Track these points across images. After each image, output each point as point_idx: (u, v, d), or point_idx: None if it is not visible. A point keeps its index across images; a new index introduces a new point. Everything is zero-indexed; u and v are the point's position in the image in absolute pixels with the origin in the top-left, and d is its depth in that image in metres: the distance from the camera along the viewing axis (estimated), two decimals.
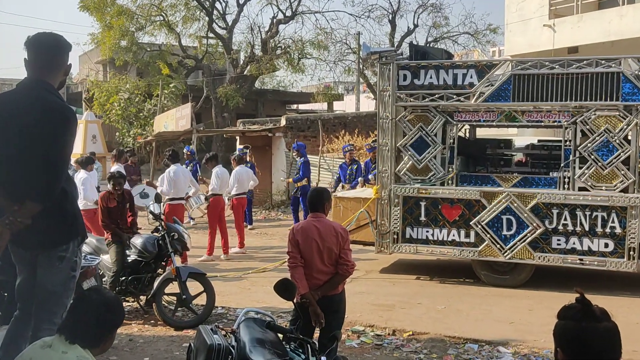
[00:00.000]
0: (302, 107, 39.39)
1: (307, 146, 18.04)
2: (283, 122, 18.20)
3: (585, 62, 7.71)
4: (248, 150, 15.10)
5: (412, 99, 8.41)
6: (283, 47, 27.69)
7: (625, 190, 7.59)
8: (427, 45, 26.83)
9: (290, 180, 13.24)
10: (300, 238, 4.49)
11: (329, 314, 4.45)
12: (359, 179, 11.71)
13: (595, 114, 7.64)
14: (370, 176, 11.43)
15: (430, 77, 8.30)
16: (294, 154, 14.07)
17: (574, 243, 7.79)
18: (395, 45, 26.39)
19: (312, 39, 27.78)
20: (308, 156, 13.51)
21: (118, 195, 7.28)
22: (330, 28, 34.57)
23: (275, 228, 13.91)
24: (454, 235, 8.31)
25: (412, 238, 8.49)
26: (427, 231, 8.42)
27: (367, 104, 32.08)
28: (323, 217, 4.65)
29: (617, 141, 7.57)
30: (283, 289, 3.93)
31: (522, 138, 11.56)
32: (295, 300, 4.12)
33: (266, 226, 14.35)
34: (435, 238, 8.39)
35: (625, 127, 7.53)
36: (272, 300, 7.13)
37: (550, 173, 8.25)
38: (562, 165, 7.87)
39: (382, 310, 7.18)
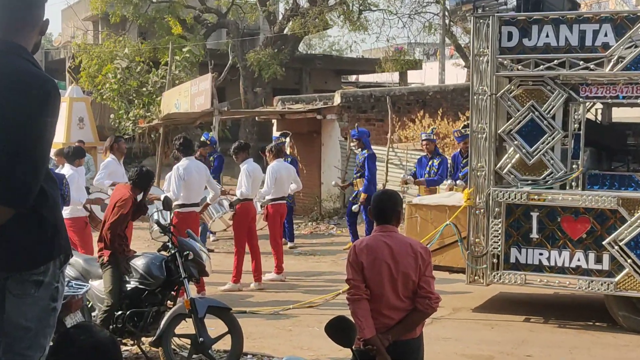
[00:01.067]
0: (363, 78, 39.43)
1: (372, 132, 18.04)
2: (337, 99, 18.24)
3: None
4: (288, 139, 15.27)
5: (520, 67, 8.35)
6: None
7: None
8: None
9: (354, 184, 13.25)
10: (365, 260, 4.49)
11: None
12: (446, 180, 11.64)
13: None
14: (459, 175, 11.42)
15: (547, 36, 8.22)
16: (352, 144, 14.07)
17: None
18: None
19: None
20: (373, 147, 13.52)
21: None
22: None
23: (326, 247, 13.99)
24: (579, 260, 8.19)
25: (520, 263, 8.41)
26: (541, 254, 8.32)
27: (456, 74, 31.82)
28: (395, 231, 4.65)
29: None
30: (338, 330, 3.90)
31: None
32: (354, 347, 4.12)
33: (313, 244, 14.42)
34: (553, 263, 8.29)
35: None
36: (321, 345, 7.19)
37: None
38: None
39: None
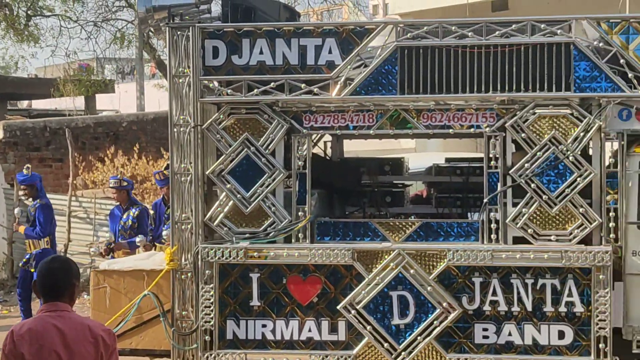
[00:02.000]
0: (37, 104, 38.33)
1: (49, 177, 17.49)
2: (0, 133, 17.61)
3: (514, 26, 8.12)
4: None
5: (230, 91, 8.45)
6: None
7: (587, 241, 8.07)
8: None
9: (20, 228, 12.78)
10: (27, 350, 4.36)
11: None
12: (138, 237, 11.67)
13: (534, 114, 8.07)
14: (164, 230, 11.41)
15: (261, 53, 8.37)
16: (21, 192, 13.53)
17: (509, 334, 8.10)
18: None
19: None
20: (50, 197, 13.15)
21: None
22: None
23: None
24: (310, 331, 8.35)
25: (238, 339, 8.45)
26: (264, 325, 8.42)
27: (159, 99, 31.80)
28: (69, 310, 4.56)
29: (571, 159, 8.02)
30: None
31: (421, 156, 12.06)
32: None
33: None
34: (279, 337, 8.40)
35: (582, 134, 8.03)
36: None
37: (468, 214, 8.63)
38: (485, 200, 8.20)
39: None
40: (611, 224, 8.08)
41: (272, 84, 8.35)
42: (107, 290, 9.00)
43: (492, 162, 8.22)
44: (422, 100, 8.28)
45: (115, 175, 13.30)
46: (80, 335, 4.40)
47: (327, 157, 10.07)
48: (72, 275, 4.59)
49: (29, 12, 26.89)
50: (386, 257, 8.22)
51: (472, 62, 8.12)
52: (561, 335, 8.09)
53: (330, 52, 8.28)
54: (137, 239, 11.63)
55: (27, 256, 12.70)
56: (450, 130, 8.45)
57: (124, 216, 12.19)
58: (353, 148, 11.27)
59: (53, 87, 29.32)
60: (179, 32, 8.44)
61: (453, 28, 8.20)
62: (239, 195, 8.45)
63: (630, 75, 7.98)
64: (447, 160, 10.24)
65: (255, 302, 8.43)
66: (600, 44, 8.08)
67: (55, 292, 4.54)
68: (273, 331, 8.43)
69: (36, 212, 12.40)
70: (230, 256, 8.40)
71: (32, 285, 4.95)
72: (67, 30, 27.84)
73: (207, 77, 8.45)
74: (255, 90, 8.38)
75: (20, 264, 13.12)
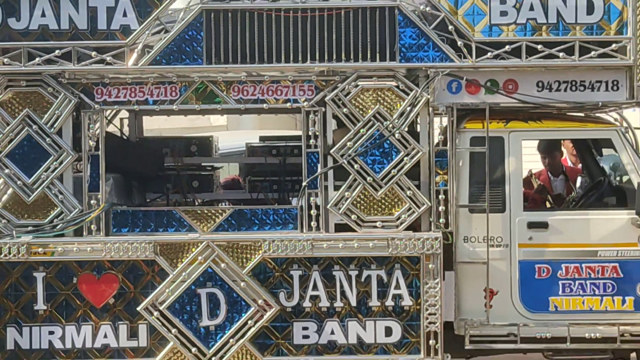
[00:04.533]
0: None
1: None
2: None
3: None
4: None
5: (7, 60, 7.76)
6: None
7: (415, 227, 7.67)
8: None
9: None
10: None
11: None
12: None
13: (357, 86, 7.64)
14: None
15: (43, 15, 7.83)
16: None
17: (332, 332, 7.70)
18: None
19: None
20: None
21: None
22: None
23: None
24: (106, 337, 7.81)
25: (21, 349, 7.77)
26: (52, 332, 7.81)
27: None
28: None
29: (397, 136, 7.56)
30: None
31: (234, 134, 11.91)
32: None
33: None
34: (69, 345, 7.81)
35: (409, 108, 7.56)
36: None
37: (291, 199, 8.40)
38: (304, 184, 7.66)
39: None
40: (441, 208, 7.83)
41: (57, 51, 7.77)
42: None
43: (312, 141, 7.87)
44: (232, 71, 7.81)
45: None
46: None
47: (124, 137, 9.31)
48: None
49: None
50: (193, 249, 7.74)
51: (288, 28, 7.77)
52: (388, 331, 7.71)
53: (125, 14, 7.86)
54: None
55: None
56: (265, 105, 8.01)
57: None
58: (155, 126, 10.65)
59: None
60: None
61: None
62: (19, 182, 7.68)
63: (459, 43, 7.75)
64: (262, 139, 9.98)
65: (40, 305, 7.74)
66: (428, 9, 7.79)
67: None
68: (62, 339, 7.77)
69: None
70: (9, 253, 7.68)
71: None
72: None
73: None
74: (37, 59, 7.75)
75: None
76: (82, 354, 7.95)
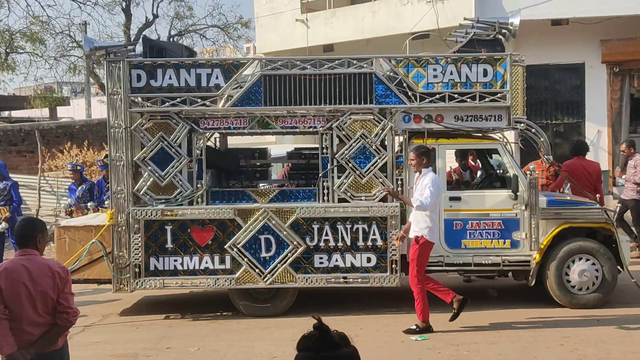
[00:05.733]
0: (16, 114, 36.55)
1: (24, 164, 16.70)
2: None
3: (337, 62, 8.34)
4: None
5: (149, 104, 8.33)
6: None
7: (384, 200, 8.34)
8: (171, 40, 26.80)
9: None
10: (3, 283, 4.16)
11: None
12: (90, 203, 11.34)
13: (350, 118, 8.28)
14: (104, 198, 11.10)
15: (170, 78, 8.28)
16: None
17: (336, 260, 8.31)
18: (132, 39, 25.85)
19: (24, 28, 26.08)
20: (26, 177, 12.56)
21: None
22: (46, 16, 32.71)
23: None
24: (207, 263, 8.34)
25: (158, 270, 8.36)
26: (176, 260, 8.35)
27: (101, 110, 30.73)
28: (35, 254, 4.36)
29: (373, 147, 8.28)
30: None
31: (279, 146, 12.15)
32: None
33: None
34: (186, 267, 8.36)
35: (380, 131, 8.28)
36: None
37: (312, 184, 8.69)
38: (320, 175, 8.38)
39: None
40: (399, 189, 8.32)
41: (178, 99, 8.27)
42: (66, 240, 8.68)
43: (324, 150, 8.36)
44: (278, 110, 8.31)
45: (71, 162, 12.87)
46: (42, 271, 4.23)
47: (217, 148, 9.80)
48: (36, 229, 4.42)
49: (7, 50, 25.65)
50: (256, 213, 8.28)
51: (310, 85, 8.23)
52: (369, 260, 8.29)
53: (217, 77, 8.26)
54: (89, 205, 11.34)
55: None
56: (297, 130, 8.58)
57: (79, 189, 11.81)
58: (234, 142, 11.07)
59: (26, 102, 28.16)
60: (113, 64, 8.24)
61: (298, 63, 8.31)
62: (157, 174, 8.33)
63: (409, 93, 8.27)
64: (296, 149, 10.21)
65: (169, 245, 8.32)
66: (391, 74, 8.34)
67: (25, 241, 4.36)
68: (182, 264, 8.34)
69: (10, 189, 11.79)
70: (151, 215, 8.30)
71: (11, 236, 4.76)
72: (35, 62, 26.78)
73: (133, 94, 8.27)
74: (167, 103, 8.27)
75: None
76: (193, 273, 8.53)
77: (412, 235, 7.74)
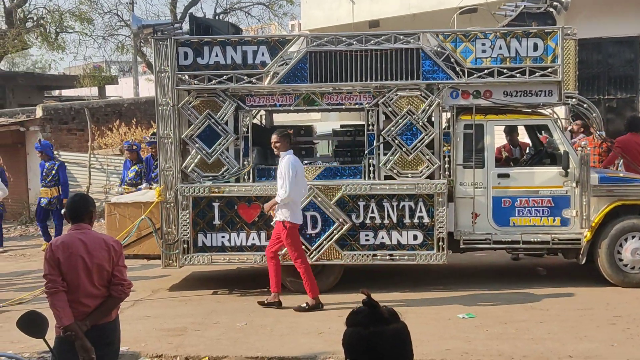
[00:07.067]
0: (66, 93, 37.27)
1: (74, 141, 17.06)
2: (39, 112, 17.09)
3: (383, 37, 8.26)
4: None
5: (196, 82, 8.39)
6: (35, 18, 25.97)
7: (431, 177, 8.29)
8: (217, 17, 26.91)
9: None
10: (61, 256, 4.26)
11: (101, 347, 4.27)
12: (144, 184, 11.43)
13: (397, 95, 8.21)
14: (152, 175, 11.24)
15: (216, 56, 8.31)
16: (38, 155, 12.79)
17: (382, 237, 8.30)
18: (179, 17, 26.05)
19: (73, 8, 26.50)
20: (77, 155, 12.83)
21: None
22: None
23: (35, 248, 13.03)
24: (254, 239, 8.42)
25: (206, 246, 8.46)
26: (223, 237, 8.44)
27: (148, 88, 31.18)
28: (89, 228, 4.48)
29: (420, 124, 8.21)
30: (29, 323, 3.68)
31: (325, 124, 12.15)
32: (56, 335, 3.90)
33: (23, 246, 13.45)
34: (233, 244, 8.45)
35: (427, 107, 8.20)
36: (31, 339, 6.70)
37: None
38: (366, 152, 8.35)
39: (172, 336, 7.07)
40: (446, 166, 8.32)
41: (225, 76, 8.30)
42: (117, 216, 8.88)
43: (370, 127, 8.33)
44: (324, 86, 8.29)
45: (128, 141, 13.06)
46: (97, 245, 4.34)
47: (263, 125, 9.92)
48: (89, 204, 4.53)
49: (57, 29, 26.11)
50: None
51: (357, 61, 8.18)
52: (415, 237, 8.27)
53: (263, 55, 8.28)
54: (142, 187, 11.24)
55: (48, 199, 12.17)
56: (343, 107, 8.58)
57: (132, 168, 12.02)
58: (280, 119, 11.15)
59: (76, 81, 28.63)
60: (160, 43, 8.31)
61: (344, 39, 8.27)
62: (204, 151, 8.40)
63: (457, 69, 8.17)
64: (342, 126, 10.19)
65: (217, 221, 8.41)
66: (438, 49, 8.24)
67: (79, 216, 4.47)
68: (229, 240, 8.44)
69: (59, 169, 12.09)
70: (199, 192, 8.38)
71: (63, 214, 4.86)
72: (84, 42, 27.29)
73: (180, 72, 8.35)
74: (214, 80, 8.32)
75: (44, 205, 12.26)
76: (240, 249, 8.65)
77: (277, 218, 7.77)
